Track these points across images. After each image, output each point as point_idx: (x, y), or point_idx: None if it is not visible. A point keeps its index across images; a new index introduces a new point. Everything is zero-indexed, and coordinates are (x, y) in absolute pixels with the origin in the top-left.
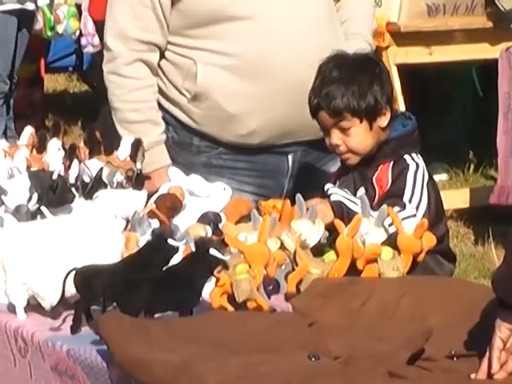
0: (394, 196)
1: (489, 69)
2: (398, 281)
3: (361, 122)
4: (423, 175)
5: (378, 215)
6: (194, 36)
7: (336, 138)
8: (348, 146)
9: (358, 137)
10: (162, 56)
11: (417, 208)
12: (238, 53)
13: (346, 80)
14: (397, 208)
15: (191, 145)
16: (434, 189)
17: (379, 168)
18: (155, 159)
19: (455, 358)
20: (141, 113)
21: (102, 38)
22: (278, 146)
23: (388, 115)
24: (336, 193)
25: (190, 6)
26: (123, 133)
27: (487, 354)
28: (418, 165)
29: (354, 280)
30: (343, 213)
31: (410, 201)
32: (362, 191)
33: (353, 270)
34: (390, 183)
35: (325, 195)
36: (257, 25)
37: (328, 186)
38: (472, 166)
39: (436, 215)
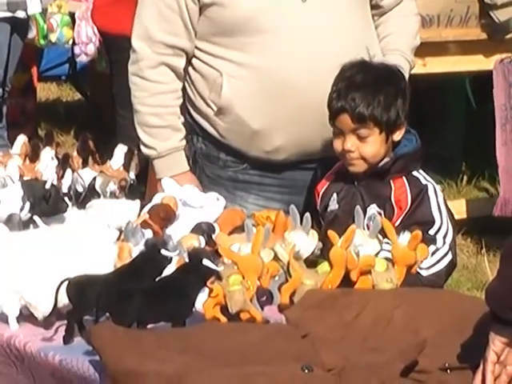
0: (421, 223)
1: (482, 80)
2: (391, 292)
3: (380, 132)
4: (442, 196)
5: (373, 226)
6: (221, 44)
7: (351, 143)
8: (361, 153)
9: (373, 146)
10: (190, 64)
11: (445, 236)
12: (263, 67)
13: (373, 88)
14: (432, 247)
15: (218, 158)
16: (447, 205)
17: (392, 185)
18: (173, 165)
19: (449, 371)
20: (161, 117)
21: (107, 47)
22: (305, 162)
23: (403, 130)
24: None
25: (218, 14)
26: (143, 136)
27: (481, 367)
28: (433, 185)
29: (348, 291)
30: None
31: (439, 229)
32: (374, 209)
33: (346, 282)
34: (409, 203)
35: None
36: (284, 40)
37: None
38: (465, 178)
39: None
